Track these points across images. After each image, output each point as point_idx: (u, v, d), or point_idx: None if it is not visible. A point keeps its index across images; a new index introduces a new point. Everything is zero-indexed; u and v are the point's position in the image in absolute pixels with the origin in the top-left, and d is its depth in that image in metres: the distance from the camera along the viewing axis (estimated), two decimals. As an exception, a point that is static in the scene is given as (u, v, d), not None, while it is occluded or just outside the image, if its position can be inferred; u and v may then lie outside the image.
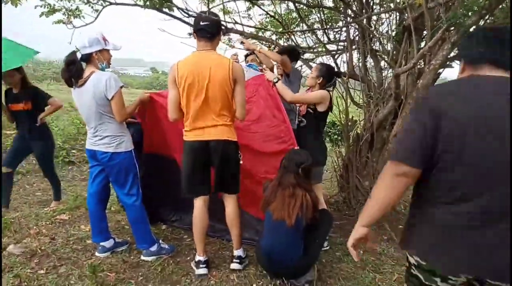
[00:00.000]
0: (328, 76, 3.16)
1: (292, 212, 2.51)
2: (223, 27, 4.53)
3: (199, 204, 2.75)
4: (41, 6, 4.12)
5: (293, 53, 3.80)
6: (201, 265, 2.77)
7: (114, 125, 2.80)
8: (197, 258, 2.81)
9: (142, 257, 2.98)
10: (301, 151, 2.80)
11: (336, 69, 3.20)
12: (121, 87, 2.74)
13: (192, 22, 3.40)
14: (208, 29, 2.57)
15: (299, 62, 5.12)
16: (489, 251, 1.33)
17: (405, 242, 1.56)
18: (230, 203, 2.81)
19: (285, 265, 2.58)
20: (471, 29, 3.26)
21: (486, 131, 1.28)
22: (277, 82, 3.14)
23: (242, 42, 3.66)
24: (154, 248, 2.99)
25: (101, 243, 3.01)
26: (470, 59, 1.47)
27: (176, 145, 3.19)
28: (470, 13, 3.16)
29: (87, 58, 2.76)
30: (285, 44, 5.19)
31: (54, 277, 2.65)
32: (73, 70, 2.72)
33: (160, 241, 3.10)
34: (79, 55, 2.76)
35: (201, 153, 2.64)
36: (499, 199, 1.30)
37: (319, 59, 5.24)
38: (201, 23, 2.56)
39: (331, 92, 3.22)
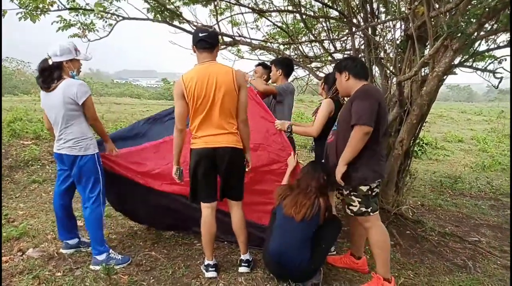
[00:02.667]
0: (330, 82, 3.26)
1: (300, 210, 2.64)
2: (231, 39, 4.70)
3: (207, 211, 2.83)
4: (57, 22, 4.34)
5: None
6: (210, 269, 2.86)
7: (78, 129, 2.93)
8: (206, 262, 2.90)
9: (91, 266, 2.94)
10: (323, 164, 2.97)
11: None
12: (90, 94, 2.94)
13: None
14: (208, 40, 2.69)
15: (307, 72, 5.22)
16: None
17: (363, 179, 2.62)
18: (236, 210, 2.89)
19: (293, 268, 2.65)
20: (473, 37, 3.33)
21: (385, 112, 2.73)
22: (291, 131, 3.29)
23: None
24: (102, 257, 2.96)
25: (65, 241, 3.19)
26: (354, 73, 2.73)
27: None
28: (473, 20, 3.23)
29: (58, 66, 2.91)
30: (292, 54, 5.30)
31: (71, 279, 2.77)
32: (46, 75, 2.88)
33: (111, 251, 3.05)
34: (50, 62, 2.90)
35: (208, 160, 2.74)
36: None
37: (326, 68, 5.33)
38: (200, 34, 2.69)
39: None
